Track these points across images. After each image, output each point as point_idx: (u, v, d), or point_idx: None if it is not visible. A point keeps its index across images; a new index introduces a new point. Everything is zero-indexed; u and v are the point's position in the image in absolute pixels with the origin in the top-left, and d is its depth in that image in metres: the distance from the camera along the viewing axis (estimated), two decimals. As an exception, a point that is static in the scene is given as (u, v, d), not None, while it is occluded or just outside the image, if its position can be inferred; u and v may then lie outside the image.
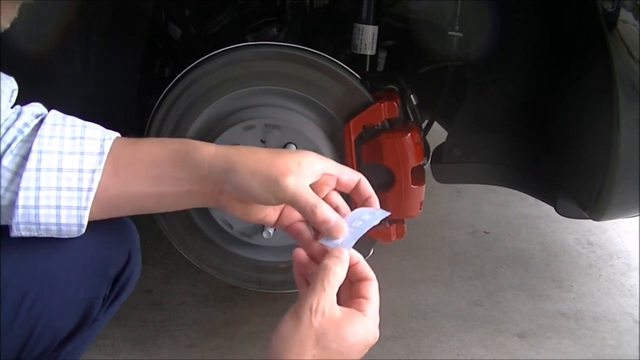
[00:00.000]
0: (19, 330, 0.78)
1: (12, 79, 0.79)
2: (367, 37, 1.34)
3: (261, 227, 1.29)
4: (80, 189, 0.73)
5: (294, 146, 1.26)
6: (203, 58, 1.26)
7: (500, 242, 1.98)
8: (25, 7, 0.62)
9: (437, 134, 1.53)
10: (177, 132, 1.29)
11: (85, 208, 0.74)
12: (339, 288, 0.70)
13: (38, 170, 0.72)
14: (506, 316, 1.63)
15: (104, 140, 0.76)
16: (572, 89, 1.27)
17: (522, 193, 1.46)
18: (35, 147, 0.73)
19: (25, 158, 0.73)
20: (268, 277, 1.41)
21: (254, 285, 1.44)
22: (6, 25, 0.62)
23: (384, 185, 1.28)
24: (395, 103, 1.25)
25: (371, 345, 0.69)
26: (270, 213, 0.78)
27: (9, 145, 0.73)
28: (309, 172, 0.74)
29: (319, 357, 0.65)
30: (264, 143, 1.26)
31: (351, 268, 0.71)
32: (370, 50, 1.36)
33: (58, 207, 0.73)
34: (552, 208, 1.39)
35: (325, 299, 0.66)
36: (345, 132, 1.26)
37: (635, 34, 1.06)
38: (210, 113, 1.28)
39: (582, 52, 1.23)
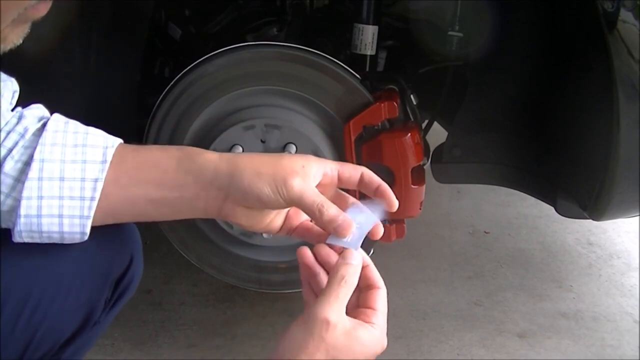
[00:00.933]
0: (21, 333, 0.78)
1: (13, 80, 0.79)
2: (367, 37, 1.34)
3: (261, 227, 1.29)
4: (82, 198, 0.73)
5: (294, 146, 1.26)
6: (203, 58, 1.26)
7: (500, 242, 1.98)
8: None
9: (437, 134, 1.53)
10: (177, 132, 1.29)
11: (87, 217, 0.74)
12: None
13: (40, 179, 0.72)
14: (506, 316, 1.63)
15: (106, 147, 0.75)
16: (572, 89, 1.27)
17: (522, 193, 1.46)
18: (37, 155, 0.72)
19: (26, 164, 0.72)
20: (268, 277, 1.41)
21: (254, 285, 1.44)
22: (19, 41, 0.62)
23: (384, 185, 1.28)
24: (395, 103, 1.25)
25: (378, 354, 0.69)
26: (274, 220, 0.77)
27: (10, 150, 0.72)
28: (312, 175, 0.74)
29: None
30: (264, 143, 1.26)
31: (361, 272, 0.71)
32: (370, 50, 1.36)
33: (61, 216, 0.73)
34: (552, 208, 1.39)
35: (337, 309, 0.66)
36: (345, 132, 1.26)
37: (635, 34, 1.06)
38: (210, 113, 1.28)
39: (582, 52, 1.23)
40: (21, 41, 0.62)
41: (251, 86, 1.26)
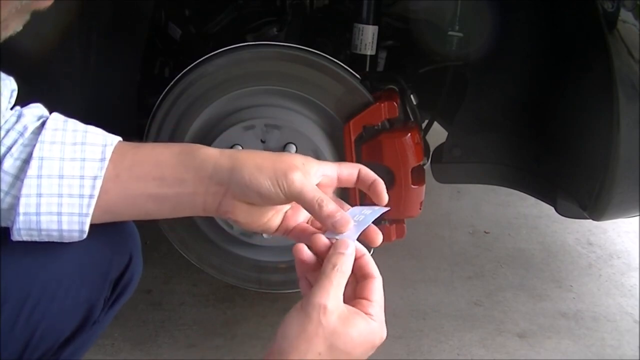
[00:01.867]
0: (21, 332, 0.78)
1: (11, 79, 0.79)
2: (367, 37, 1.34)
3: (261, 227, 1.29)
4: (81, 196, 0.73)
5: (293, 146, 1.26)
6: (203, 58, 1.26)
7: (500, 242, 1.98)
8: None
9: (437, 134, 1.53)
10: (177, 132, 1.29)
11: (86, 215, 0.74)
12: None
13: (39, 177, 0.72)
14: (506, 316, 1.63)
15: (105, 146, 0.75)
16: (572, 89, 1.27)
17: (522, 193, 1.46)
18: (36, 153, 0.72)
19: (25, 162, 0.72)
20: (268, 277, 1.41)
21: (254, 285, 1.44)
22: (19, 27, 0.62)
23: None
24: (395, 103, 1.25)
25: (377, 346, 0.69)
26: (272, 219, 0.77)
27: (9, 149, 0.73)
28: (312, 173, 0.74)
29: (325, 356, 0.64)
30: (264, 143, 1.26)
31: (356, 261, 0.71)
32: (370, 50, 1.36)
33: (59, 214, 0.73)
34: (552, 208, 1.39)
35: (333, 295, 0.66)
36: (345, 132, 1.26)
37: (635, 34, 1.06)
38: (210, 113, 1.28)
39: (582, 52, 1.23)
40: (21, 27, 0.62)
41: (251, 86, 1.26)
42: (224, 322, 1.56)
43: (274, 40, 1.37)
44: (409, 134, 1.26)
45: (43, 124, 0.75)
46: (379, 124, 1.26)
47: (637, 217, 1.62)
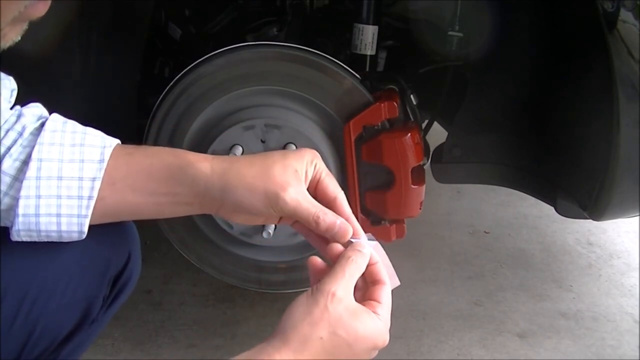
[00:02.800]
0: (19, 331, 0.78)
1: (11, 78, 0.79)
2: (367, 37, 1.34)
3: (261, 227, 1.29)
4: (80, 197, 0.73)
5: (293, 146, 1.26)
6: (203, 58, 1.26)
7: (500, 242, 1.98)
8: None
9: (437, 134, 1.53)
10: (177, 132, 1.29)
11: (85, 216, 0.74)
12: (354, 288, 0.71)
13: (38, 178, 0.72)
14: (506, 316, 1.63)
15: (104, 147, 0.76)
16: (572, 89, 1.27)
17: (522, 193, 1.46)
18: (35, 154, 0.72)
19: (24, 163, 0.73)
20: (268, 277, 1.41)
21: (254, 285, 1.44)
22: (17, 38, 0.62)
23: (384, 185, 1.28)
24: (395, 103, 1.25)
25: (379, 348, 0.69)
26: (272, 217, 0.78)
27: (8, 149, 0.73)
28: (305, 174, 0.74)
29: (327, 342, 0.65)
30: (264, 143, 1.26)
31: (369, 268, 0.72)
32: (370, 50, 1.35)
33: (58, 215, 0.73)
34: (552, 208, 1.39)
35: (343, 286, 0.67)
36: (345, 132, 1.26)
37: (635, 34, 1.06)
38: (210, 113, 1.28)
39: (582, 52, 1.23)
40: (20, 38, 0.62)
41: (251, 86, 1.26)
42: (224, 322, 1.56)
43: (274, 40, 1.37)
44: (409, 134, 1.26)
45: (42, 124, 0.75)
46: (379, 124, 1.26)
47: (637, 217, 1.62)
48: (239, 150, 1.26)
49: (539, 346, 1.52)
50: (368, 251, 0.72)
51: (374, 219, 1.33)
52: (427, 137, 1.49)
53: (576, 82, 1.26)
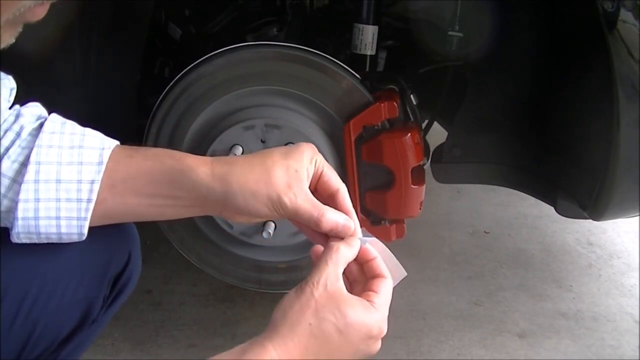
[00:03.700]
0: (19, 331, 0.78)
1: (10, 77, 0.79)
2: (367, 37, 1.34)
3: (261, 227, 1.29)
4: (79, 200, 0.73)
5: (293, 146, 1.26)
6: (203, 58, 1.26)
7: (500, 242, 1.98)
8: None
9: (437, 134, 1.53)
10: (177, 132, 1.29)
11: (85, 219, 0.74)
12: (353, 284, 0.72)
13: (36, 182, 0.72)
14: (506, 316, 1.63)
15: (102, 149, 0.75)
16: (572, 89, 1.27)
17: (522, 193, 1.46)
18: (33, 157, 0.72)
19: (23, 165, 0.72)
20: (268, 277, 1.41)
21: (254, 285, 1.44)
22: (12, 40, 0.62)
23: (384, 185, 1.28)
24: (395, 103, 1.25)
25: (375, 337, 0.69)
26: (275, 216, 0.78)
27: (7, 150, 0.73)
28: (306, 173, 0.74)
29: (316, 327, 0.65)
30: (264, 143, 1.26)
31: (368, 263, 0.73)
32: (370, 50, 1.35)
33: (58, 218, 0.73)
34: (552, 208, 1.39)
35: (327, 273, 0.68)
36: (345, 132, 1.26)
37: (635, 34, 1.06)
38: (210, 113, 1.28)
39: (582, 52, 1.23)
40: (14, 40, 0.62)
41: (251, 86, 1.26)
42: (224, 322, 1.56)
43: (274, 40, 1.37)
44: (409, 134, 1.26)
45: (41, 125, 0.75)
46: (379, 124, 1.26)
47: (637, 217, 1.62)
48: (239, 150, 1.26)
49: (539, 346, 1.52)
50: (356, 242, 0.73)
51: (374, 219, 1.33)
52: (427, 137, 1.49)
53: (576, 82, 1.26)
